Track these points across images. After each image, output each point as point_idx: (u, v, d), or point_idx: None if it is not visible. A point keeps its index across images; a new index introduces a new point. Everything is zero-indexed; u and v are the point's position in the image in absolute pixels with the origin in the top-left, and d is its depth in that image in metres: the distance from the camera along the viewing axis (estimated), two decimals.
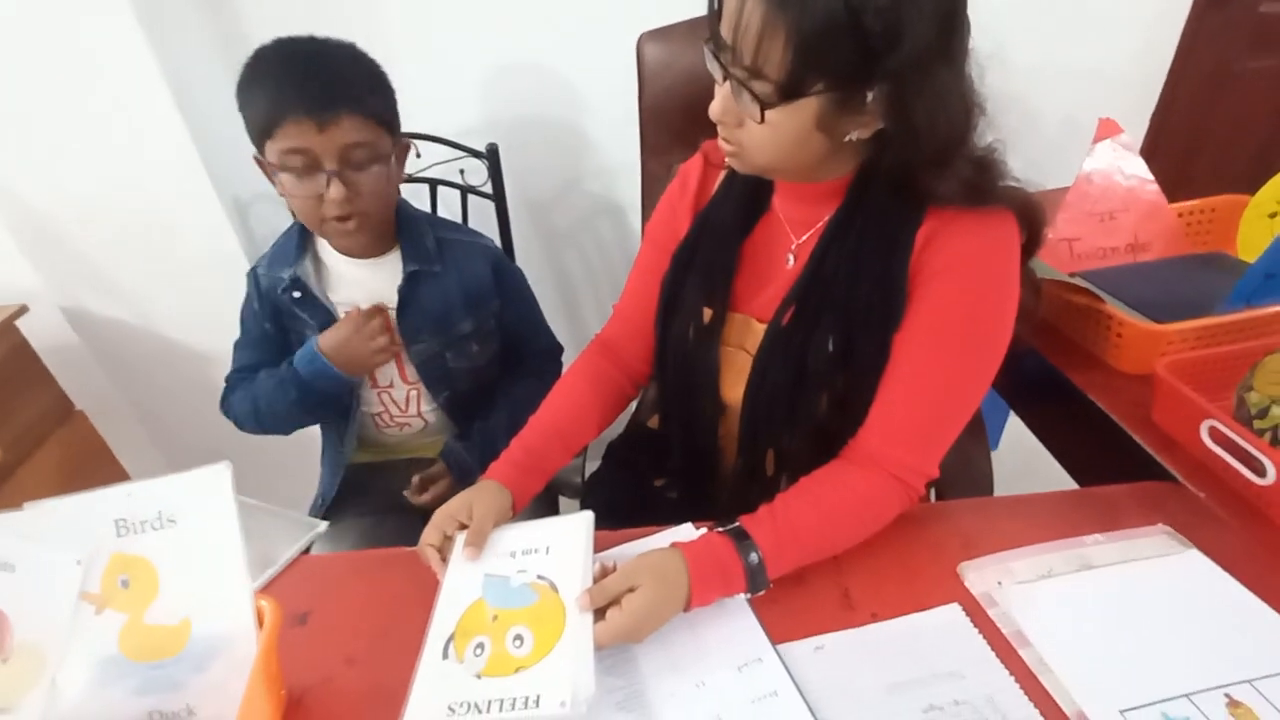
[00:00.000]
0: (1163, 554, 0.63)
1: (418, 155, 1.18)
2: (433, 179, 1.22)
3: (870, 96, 0.57)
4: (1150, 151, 1.44)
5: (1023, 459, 1.08)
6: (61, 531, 0.54)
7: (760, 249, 0.75)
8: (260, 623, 0.55)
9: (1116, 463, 0.82)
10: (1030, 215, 0.65)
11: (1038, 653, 0.55)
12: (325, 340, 0.90)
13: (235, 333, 1.02)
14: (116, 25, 1.08)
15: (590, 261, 1.52)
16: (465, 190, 1.23)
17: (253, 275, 0.97)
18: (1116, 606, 0.58)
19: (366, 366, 0.94)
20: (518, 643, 0.57)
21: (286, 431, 1.01)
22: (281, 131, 0.78)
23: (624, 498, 0.92)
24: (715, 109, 0.63)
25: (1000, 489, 0.95)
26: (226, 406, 1.02)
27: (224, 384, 1.02)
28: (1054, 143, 1.21)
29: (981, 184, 0.62)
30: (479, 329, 0.99)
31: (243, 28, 1.22)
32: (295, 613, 0.66)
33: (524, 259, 1.33)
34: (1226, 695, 0.50)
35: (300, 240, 0.94)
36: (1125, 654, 0.54)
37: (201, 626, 0.55)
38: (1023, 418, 1.02)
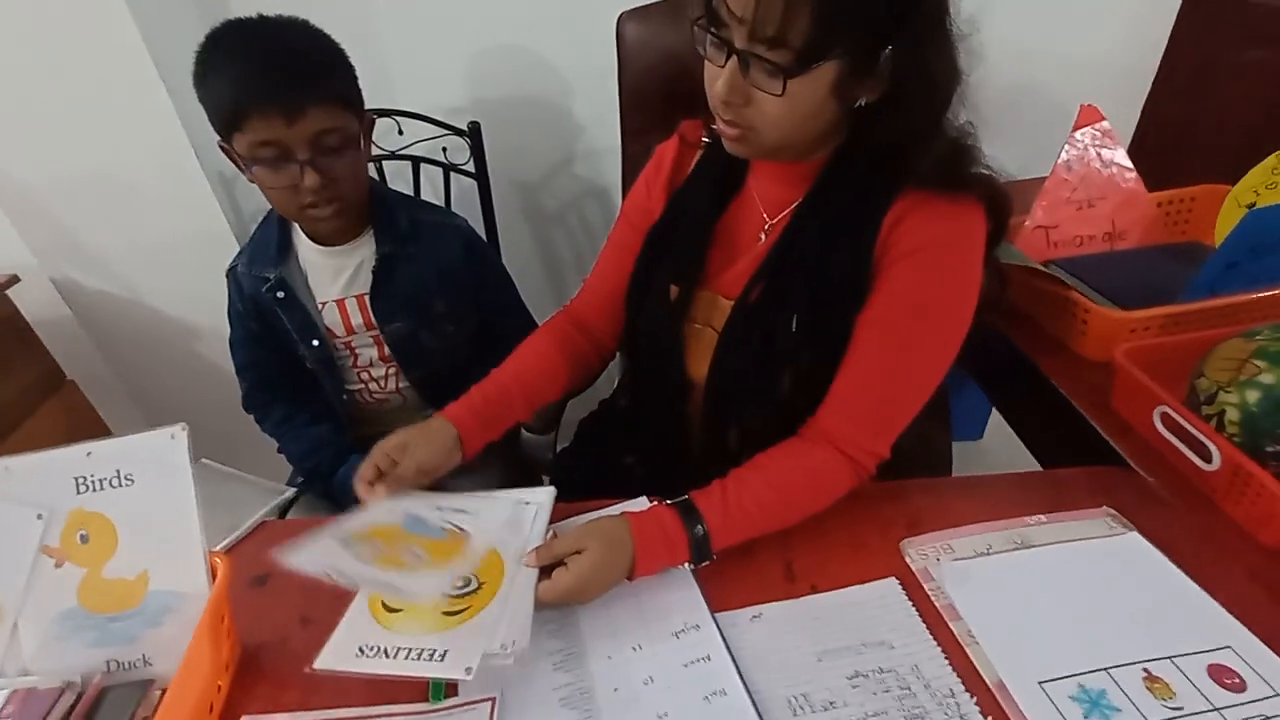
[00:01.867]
0: (1102, 535, 0.64)
1: (400, 132, 1.20)
2: (415, 156, 1.23)
3: (883, 57, 0.57)
4: (1140, 142, 1.42)
5: (1009, 450, 1.08)
6: (23, 487, 0.56)
7: (732, 228, 0.75)
8: (213, 577, 0.57)
9: (1078, 448, 0.83)
10: (998, 204, 0.65)
11: (966, 625, 0.57)
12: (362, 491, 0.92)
13: (218, 307, 1.04)
14: (103, 1, 1.09)
15: (577, 242, 1.53)
16: (448, 168, 1.24)
17: (232, 276, 0.99)
18: (1049, 584, 0.59)
19: None
20: (414, 558, 0.58)
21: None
22: (249, 125, 0.78)
23: (593, 474, 0.93)
24: (721, 89, 0.60)
25: (959, 458, 0.96)
26: (254, 412, 1.05)
27: (240, 380, 1.04)
28: (1040, 131, 1.20)
29: (956, 167, 0.62)
30: (454, 309, 1.00)
31: (229, 5, 1.23)
32: (255, 574, 0.68)
33: (508, 238, 1.34)
34: (1145, 670, 0.51)
35: (281, 237, 0.95)
36: (1051, 629, 0.56)
37: (158, 581, 0.57)
38: (994, 403, 1.03)
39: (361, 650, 0.55)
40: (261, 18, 0.81)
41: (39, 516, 0.56)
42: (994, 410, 1.13)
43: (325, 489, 0.97)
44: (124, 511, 0.57)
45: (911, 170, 0.62)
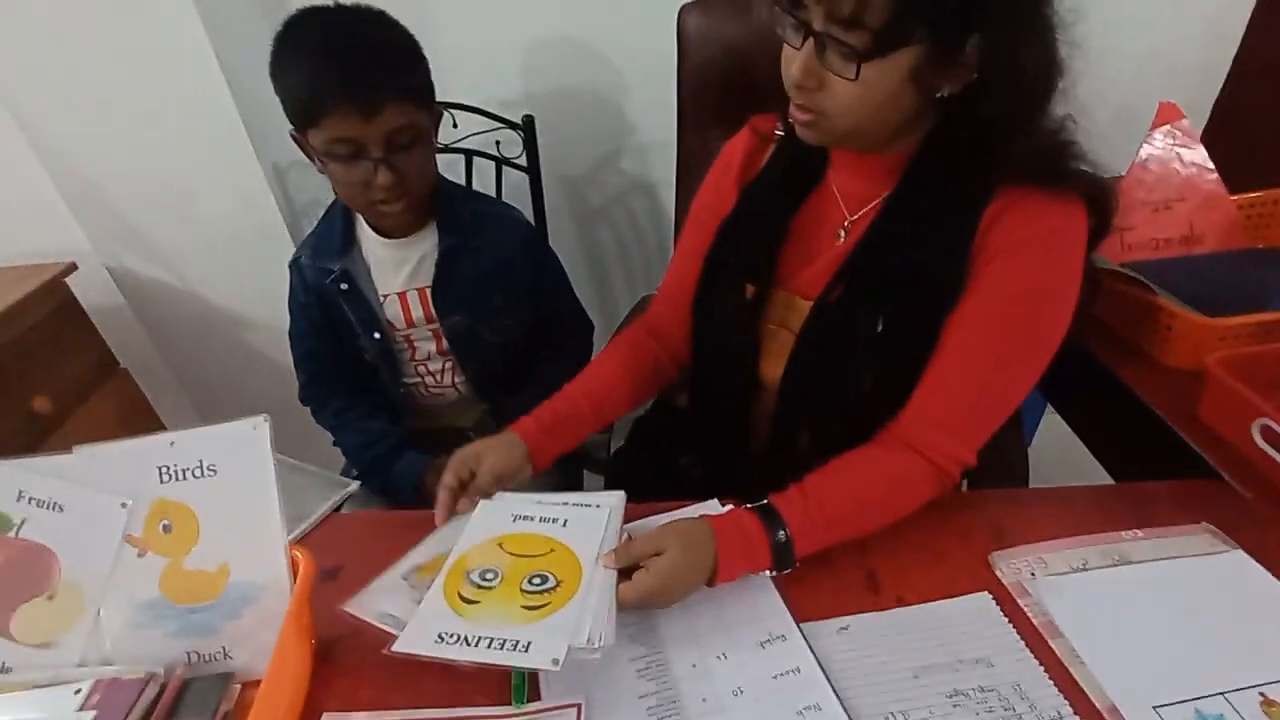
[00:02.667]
0: (1205, 552, 0.61)
1: (454, 125, 1.19)
2: (468, 149, 1.22)
3: (971, 42, 0.54)
4: (1210, 141, 1.37)
5: (1058, 454, 1.05)
6: (107, 476, 0.56)
7: (809, 224, 0.73)
8: (294, 573, 0.56)
9: (1157, 460, 0.80)
10: (1101, 202, 0.62)
11: (1069, 644, 0.54)
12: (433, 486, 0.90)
13: (270, 298, 1.04)
14: None
15: (623, 238, 1.51)
16: (500, 161, 1.23)
17: (296, 267, 0.98)
18: (1153, 602, 0.57)
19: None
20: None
21: None
22: (325, 121, 0.78)
23: (650, 475, 0.92)
24: (795, 71, 0.59)
25: (1035, 484, 0.93)
26: (308, 402, 1.04)
27: (298, 371, 1.04)
28: (1110, 129, 1.16)
29: (1057, 161, 0.59)
30: (511, 303, 0.99)
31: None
32: (325, 567, 0.68)
33: (556, 233, 1.33)
34: (1261, 694, 0.49)
35: (345, 228, 0.95)
36: (1160, 650, 0.53)
37: (238, 574, 0.56)
38: (1060, 410, 0.99)
39: (441, 637, 0.54)
40: (339, 6, 0.81)
41: (123, 505, 0.56)
42: (1047, 416, 1.10)
43: (379, 484, 0.97)
44: (206, 502, 0.56)
45: (1008, 165, 0.60)
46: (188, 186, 1.27)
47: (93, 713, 0.51)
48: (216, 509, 0.56)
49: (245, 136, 1.22)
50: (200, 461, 0.56)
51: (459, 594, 0.58)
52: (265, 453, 0.56)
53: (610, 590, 0.56)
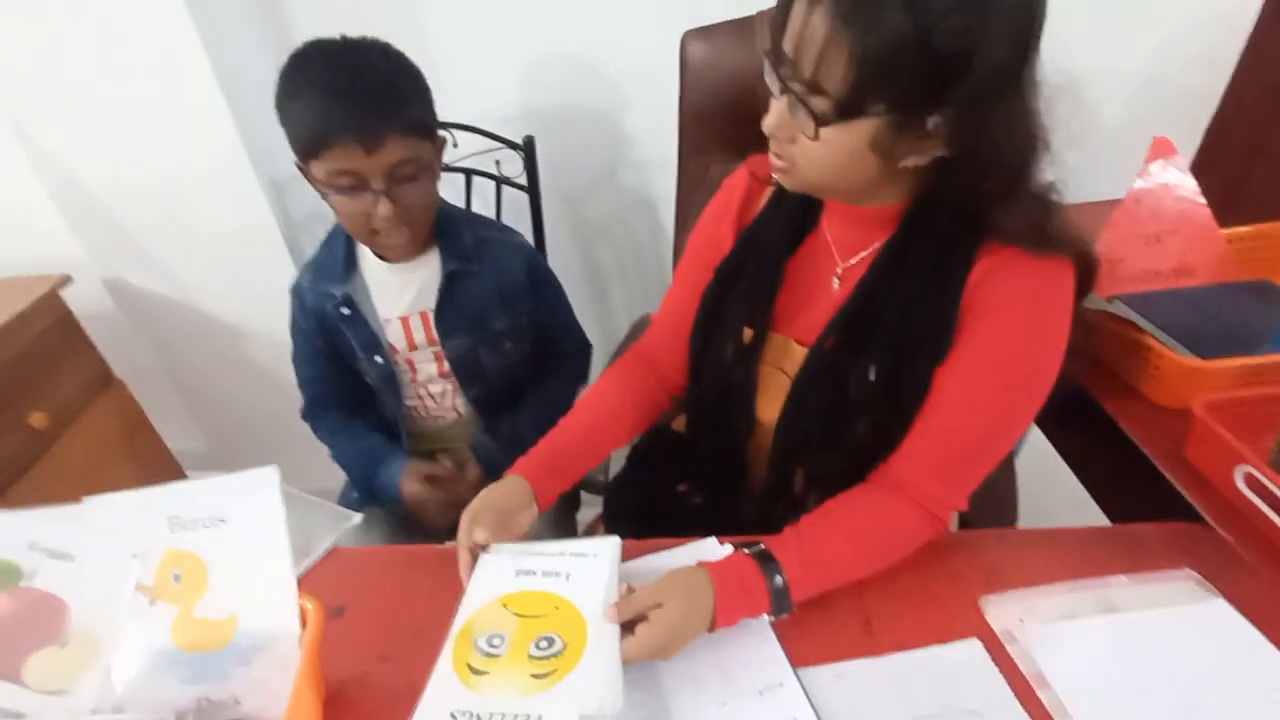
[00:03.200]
0: (1188, 601, 0.63)
1: (454, 145, 1.19)
2: (468, 169, 1.22)
3: (932, 122, 0.56)
4: (1201, 168, 1.39)
5: (1040, 477, 1.07)
6: (118, 525, 0.57)
7: (804, 269, 0.74)
8: (303, 622, 0.57)
9: (1145, 496, 0.82)
10: (1086, 264, 0.64)
11: (1057, 696, 0.56)
12: (408, 489, 0.94)
13: (267, 310, 1.05)
14: (164, 5, 1.09)
15: (622, 255, 1.52)
16: (500, 181, 1.23)
17: (297, 293, 0.99)
18: (1138, 654, 0.59)
19: (429, 524, 0.96)
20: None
21: None
22: (328, 154, 0.79)
23: (648, 501, 0.93)
24: (769, 122, 0.62)
25: (1023, 506, 0.95)
26: (311, 421, 1.06)
27: (302, 392, 1.06)
28: (1099, 150, 1.18)
29: (1045, 227, 0.61)
30: (513, 327, 1.00)
31: (287, 12, 1.22)
32: (331, 605, 0.69)
33: (555, 251, 1.34)
34: None
35: (346, 253, 0.95)
36: (1145, 704, 0.55)
37: (247, 622, 0.57)
38: (1052, 441, 1.01)
39: (454, 716, 0.55)
40: (344, 39, 0.81)
41: (134, 556, 0.56)
42: (1037, 439, 1.11)
43: (367, 489, 0.99)
44: (215, 552, 0.57)
45: (996, 228, 0.61)
46: (185, 200, 1.27)
47: None
48: (226, 558, 0.57)
49: (242, 148, 1.22)
50: (210, 511, 0.57)
51: (468, 664, 0.59)
52: (275, 503, 0.57)
53: (614, 651, 0.57)
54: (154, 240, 1.33)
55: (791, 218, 0.75)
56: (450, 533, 0.73)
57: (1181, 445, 0.78)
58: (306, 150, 0.80)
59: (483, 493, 0.73)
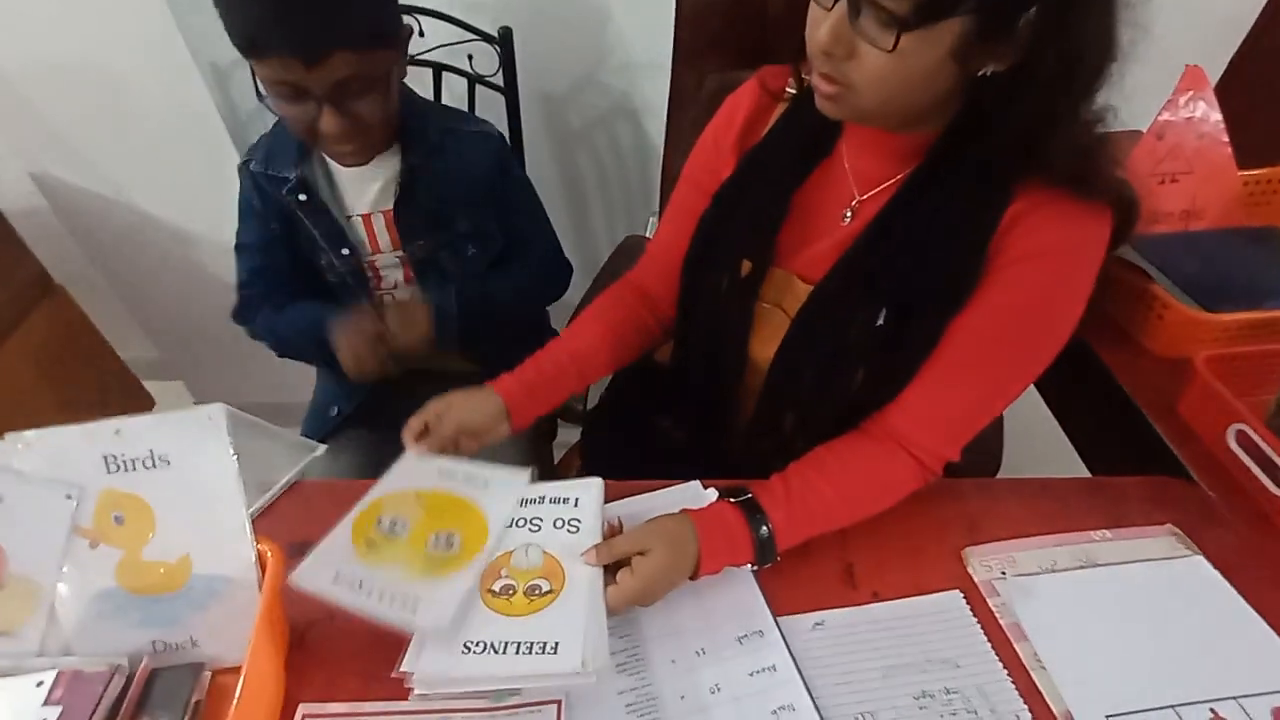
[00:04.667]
0: (1167, 556, 0.63)
1: (420, 34, 1.05)
2: (437, 63, 1.09)
3: (1025, 18, 0.48)
4: (1220, 98, 1.32)
5: (1021, 420, 1.07)
6: (48, 465, 0.52)
7: (814, 199, 0.68)
8: (263, 567, 0.54)
9: (1130, 447, 0.81)
10: (1127, 212, 0.58)
11: (1033, 648, 0.56)
12: (334, 336, 0.86)
13: (212, 211, 0.94)
14: None
15: (604, 165, 1.42)
16: (473, 79, 1.11)
17: (246, 171, 0.88)
18: (1115, 608, 0.59)
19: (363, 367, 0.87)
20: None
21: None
22: (265, 63, 0.68)
23: (627, 434, 0.91)
24: (824, 38, 0.52)
25: (1007, 455, 0.95)
26: (244, 320, 0.95)
27: (237, 292, 0.95)
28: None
29: (1093, 164, 0.55)
30: (477, 229, 0.92)
31: None
32: (293, 541, 0.65)
33: (533, 160, 1.23)
34: (1211, 710, 0.52)
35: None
36: (1118, 657, 0.56)
37: (202, 566, 0.54)
38: (1037, 386, 1.00)
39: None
40: None
41: (68, 496, 0.52)
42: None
43: (321, 354, 0.90)
44: (160, 494, 0.53)
45: (1042, 161, 0.55)
46: (113, 87, 1.13)
47: (58, 708, 0.49)
48: (172, 501, 0.53)
49: (175, 31, 1.07)
50: (150, 452, 0.52)
51: (366, 537, 0.59)
52: (224, 445, 0.52)
53: (598, 602, 0.55)
54: (85, 134, 1.19)
55: (804, 141, 0.67)
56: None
57: (1175, 398, 0.77)
58: (242, 50, 0.69)
59: (451, 394, 0.69)
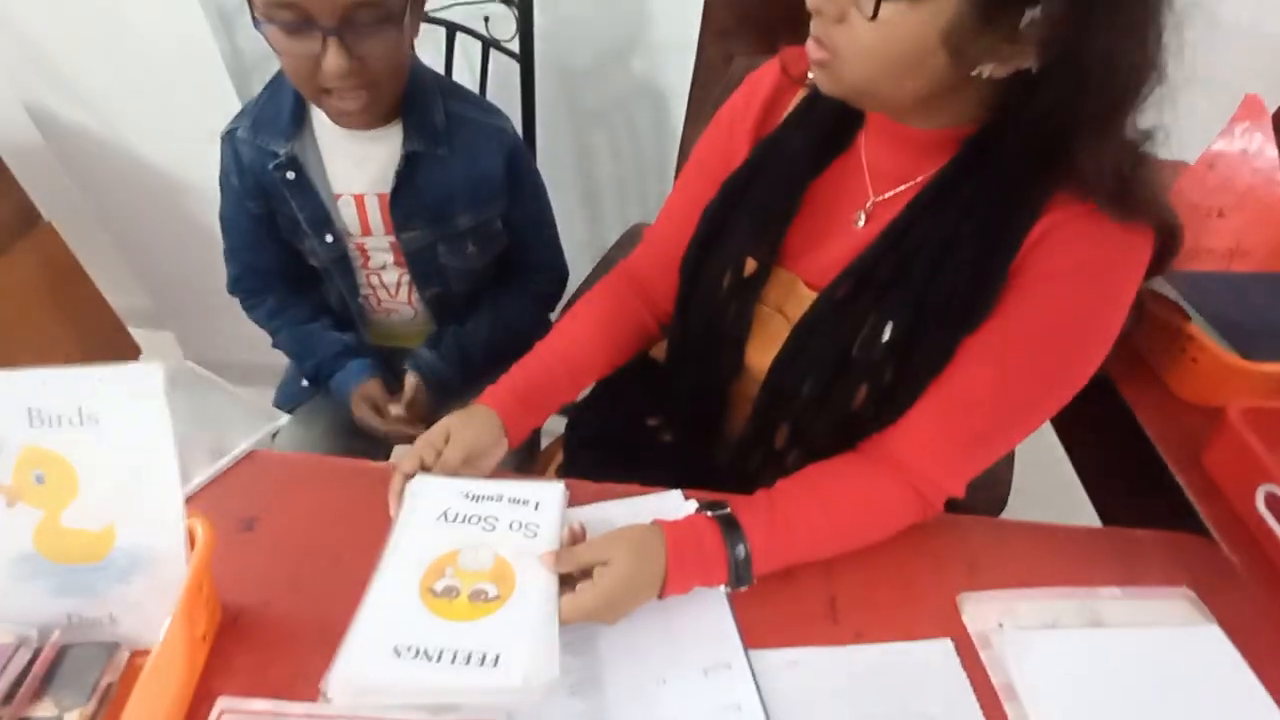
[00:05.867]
0: (1181, 624, 0.58)
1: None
2: (450, 23, 1.04)
3: (1030, 17, 0.43)
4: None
5: (1029, 454, 1.01)
6: None
7: (827, 198, 0.63)
8: (192, 543, 0.50)
9: (1146, 496, 0.76)
10: (1168, 240, 0.53)
11: (1023, 710, 0.51)
12: (358, 412, 0.85)
13: (213, 161, 0.89)
14: None
15: (620, 147, 1.36)
16: (488, 43, 1.05)
17: (230, 141, 0.83)
18: (1119, 675, 0.54)
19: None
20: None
21: None
22: None
23: (613, 432, 0.86)
24: None
25: (1014, 494, 0.89)
26: (242, 297, 0.94)
27: (228, 262, 0.93)
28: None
29: (1133, 183, 0.49)
30: (479, 227, 0.87)
31: None
32: (241, 517, 0.61)
33: (546, 135, 1.18)
34: None
35: (295, 106, 0.79)
36: None
37: (126, 536, 0.49)
38: (1056, 428, 0.94)
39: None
40: None
41: None
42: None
43: (324, 391, 0.91)
44: (85, 455, 0.48)
45: (1073, 173, 0.50)
46: (112, 22, 1.08)
47: None
48: (99, 464, 0.48)
49: None
50: (79, 409, 0.47)
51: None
52: (159, 406, 0.47)
53: (549, 614, 0.50)
54: (81, 64, 1.14)
55: (821, 131, 0.62)
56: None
57: (1200, 449, 0.71)
58: None
59: (449, 423, 0.64)
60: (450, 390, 0.88)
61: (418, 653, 0.48)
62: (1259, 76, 0.91)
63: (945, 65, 0.47)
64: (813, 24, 0.51)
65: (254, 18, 0.68)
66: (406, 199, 0.82)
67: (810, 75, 0.63)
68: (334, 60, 0.66)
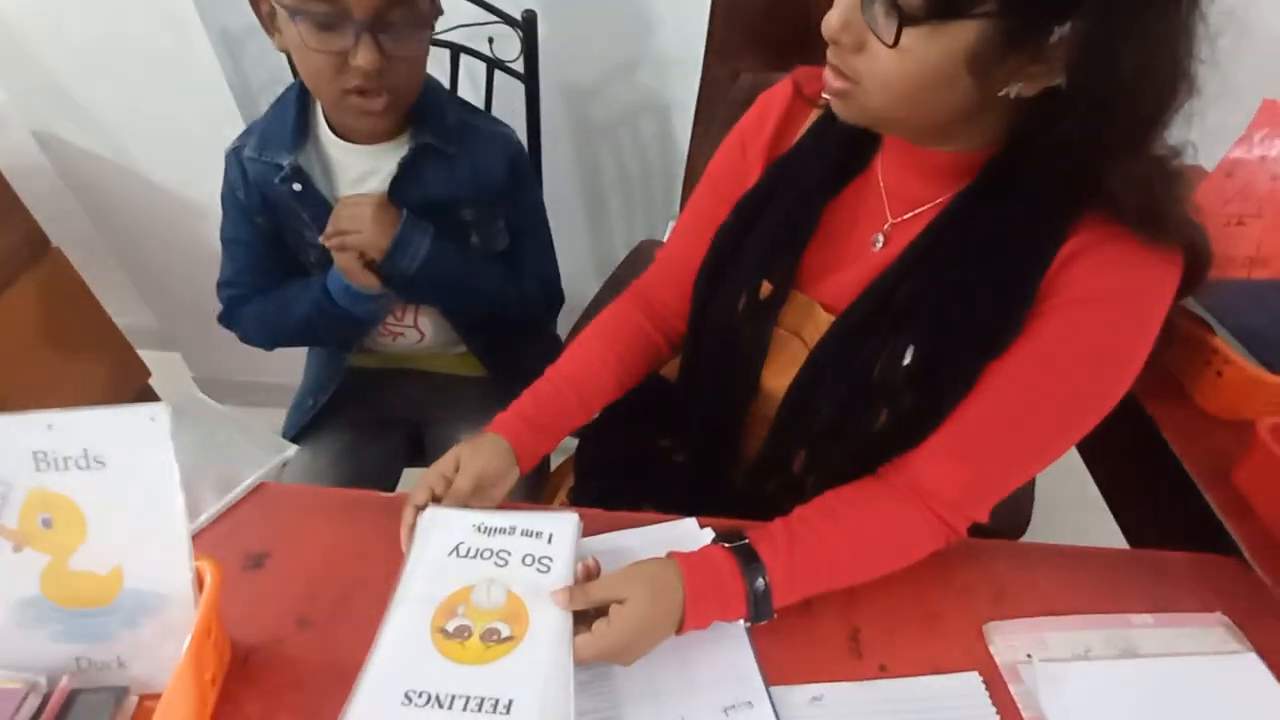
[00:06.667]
0: (1216, 651, 0.56)
1: (440, 12, 1.00)
2: (455, 44, 1.04)
3: (1058, 35, 0.42)
4: None
5: (1051, 474, 0.99)
6: None
7: (844, 219, 0.61)
8: (200, 585, 0.49)
9: (1174, 514, 0.74)
10: (1197, 259, 0.51)
11: None
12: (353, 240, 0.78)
13: (220, 182, 0.88)
14: None
15: (626, 168, 1.35)
16: (493, 64, 1.05)
17: (235, 158, 0.83)
18: (1154, 707, 0.52)
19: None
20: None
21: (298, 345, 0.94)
22: None
23: (625, 453, 0.84)
24: (833, 22, 0.47)
25: (1037, 512, 0.87)
26: (232, 321, 0.91)
27: (220, 289, 0.91)
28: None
29: (1160, 200, 0.48)
30: (480, 219, 0.86)
31: None
32: (251, 553, 0.61)
33: (551, 153, 1.17)
34: None
35: (299, 120, 0.79)
36: None
37: (134, 579, 0.48)
38: (1079, 447, 0.92)
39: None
40: None
41: None
42: None
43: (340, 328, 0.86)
44: (93, 498, 0.47)
45: (1101, 194, 0.48)
46: (121, 48, 1.08)
47: None
48: (106, 506, 0.47)
49: None
50: (85, 451, 0.46)
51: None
52: (165, 449, 0.46)
53: (564, 656, 0.49)
54: (88, 90, 1.15)
55: (838, 151, 0.61)
56: None
57: (1229, 465, 0.69)
58: None
59: (459, 452, 0.63)
60: (399, 269, 0.79)
61: (429, 699, 0.47)
62: (1272, 79, 0.89)
63: (970, 88, 0.46)
64: (830, 53, 0.50)
65: (272, 23, 0.68)
66: (409, 188, 0.80)
67: (823, 97, 0.63)
68: (366, 55, 0.66)
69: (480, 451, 0.63)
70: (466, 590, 0.53)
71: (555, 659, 0.49)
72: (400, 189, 0.81)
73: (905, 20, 0.43)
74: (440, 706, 0.46)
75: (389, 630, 0.51)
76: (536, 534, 0.57)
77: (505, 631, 0.50)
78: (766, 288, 0.63)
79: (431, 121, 0.80)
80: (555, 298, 0.98)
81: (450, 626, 0.51)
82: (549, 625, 0.51)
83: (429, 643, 0.50)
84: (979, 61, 0.44)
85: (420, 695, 0.47)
